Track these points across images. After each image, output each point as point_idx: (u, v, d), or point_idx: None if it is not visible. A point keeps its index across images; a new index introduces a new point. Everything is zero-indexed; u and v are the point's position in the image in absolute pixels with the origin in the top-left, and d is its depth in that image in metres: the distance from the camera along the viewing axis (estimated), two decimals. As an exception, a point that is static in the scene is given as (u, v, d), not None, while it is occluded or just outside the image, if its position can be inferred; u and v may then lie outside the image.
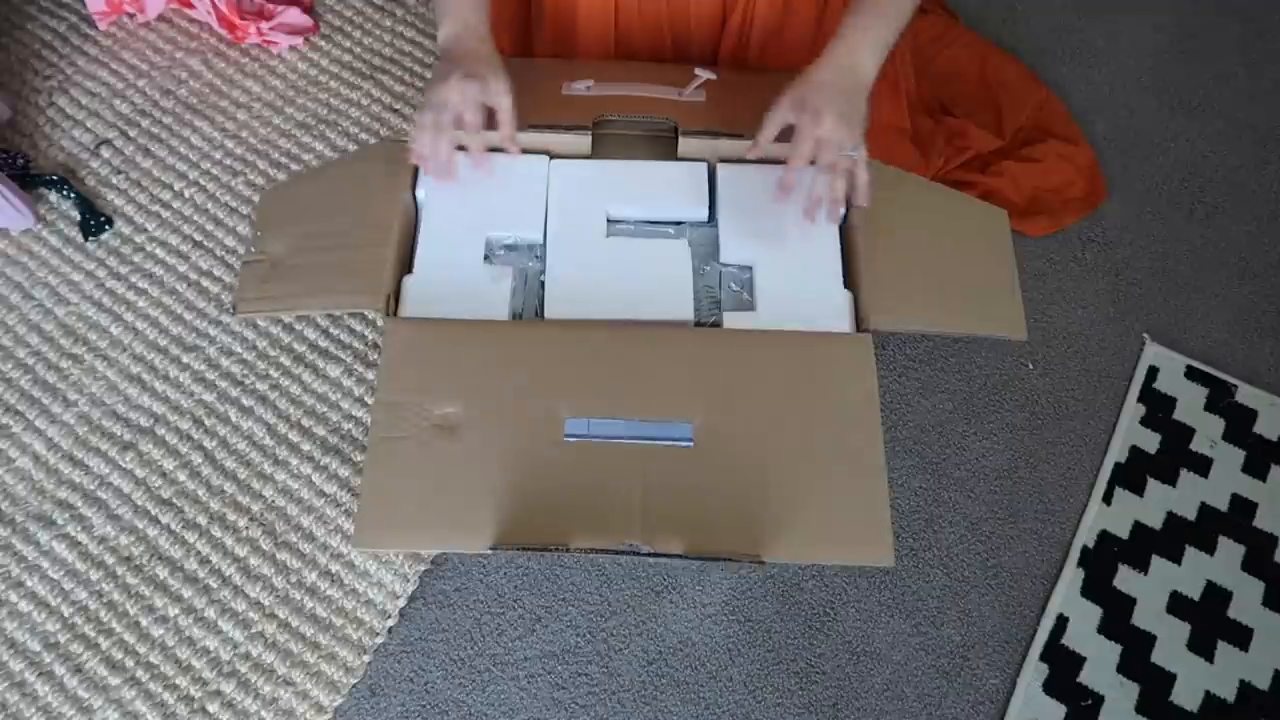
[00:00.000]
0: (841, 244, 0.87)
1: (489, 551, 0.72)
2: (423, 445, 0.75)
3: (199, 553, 1.03)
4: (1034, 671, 1.01)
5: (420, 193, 0.88)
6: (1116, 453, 1.12)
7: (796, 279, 0.84)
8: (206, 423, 1.10)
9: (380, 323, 1.14)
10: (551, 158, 0.90)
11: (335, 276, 0.81)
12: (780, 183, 0.81)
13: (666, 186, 0.89)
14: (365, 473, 0.74)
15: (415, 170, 0.88)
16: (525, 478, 0.74)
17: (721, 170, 0.89)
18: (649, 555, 0.71)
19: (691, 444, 0.75)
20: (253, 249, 0.84)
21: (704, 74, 0.92)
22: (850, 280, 0.85)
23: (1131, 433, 1.13)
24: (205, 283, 1.18)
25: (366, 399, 1.11)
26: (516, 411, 0.76)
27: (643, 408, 0.76)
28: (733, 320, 0.83)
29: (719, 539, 0.72)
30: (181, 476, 1.07)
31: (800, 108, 0.80)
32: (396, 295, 0.83)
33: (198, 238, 1.20)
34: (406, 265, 0.85)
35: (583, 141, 0.89)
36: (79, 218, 1.20)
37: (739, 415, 0.76)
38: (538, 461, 0.74)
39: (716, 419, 0.76)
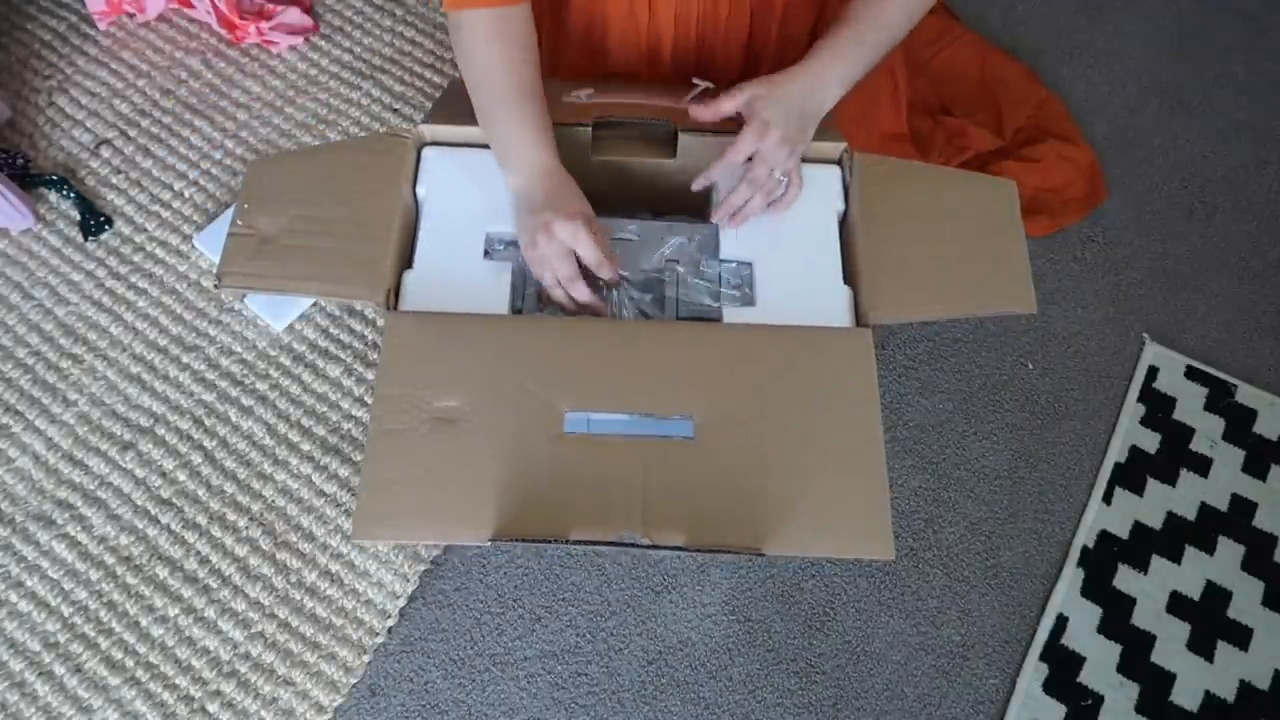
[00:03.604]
0: (841, 240, 0.87)
1: (487, 543, 0.72)
2: (423, 438, 0.74)
3: (199, 553, 1.03)
4: (1034, 671, 1.01)
5: (420, 189, 0.88)
6: (1116, 453, 1.12)
7: (796, 275, 0.84)
8: (206, 423, 1.10)
9: (380, 321, 1.14)
10: None
11: (332, 265, 0.81)
12: (706, 175, 0.85)
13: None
14: (365, 465, 0.74)
15: (415, 165, 0.88)
16: (525, 471, 0.73)
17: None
18: (649, 547, 0.70)
19: (692, 438, 0.75)
20: (239, 221, 0.82)
21: (702, 84, 0.92)
22: (850, 276, 0.85)
23: (1131, 433, 1.13)
24: (205, 282, 1.18)
25: (366, 399, 1.11)
26: (516, 405, 0.76)
27: (643, 402, 0.76)
28: (733, 315, 0.83)
29: (719, 532, 0.72)
30: (181, 476, 1.07)
31: (755, 112, 0.82)
32: (396, 291, 0.83)
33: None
34: (407, 260, 0.85)
35: (582, 137, 0.89)
36: (79, 218, 1.20)
37: (739, 409, 0.76)
38: (537, 455, 0.74)
39: (716, 413, 0.76)
